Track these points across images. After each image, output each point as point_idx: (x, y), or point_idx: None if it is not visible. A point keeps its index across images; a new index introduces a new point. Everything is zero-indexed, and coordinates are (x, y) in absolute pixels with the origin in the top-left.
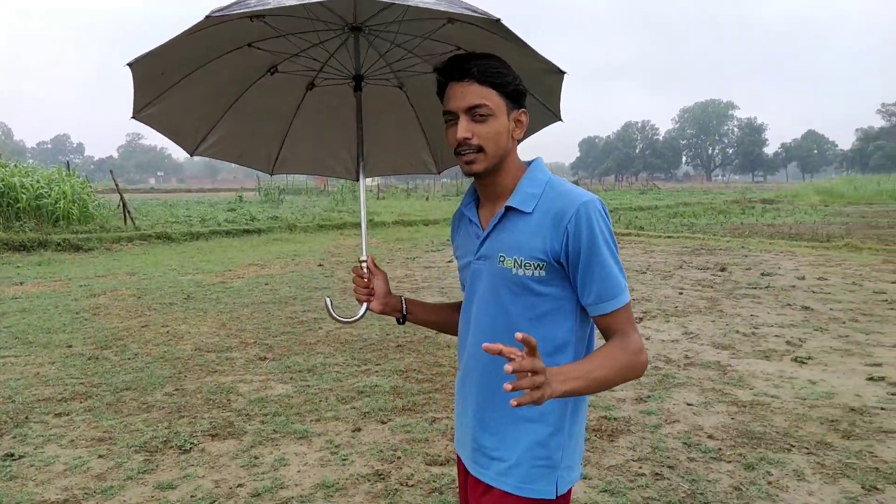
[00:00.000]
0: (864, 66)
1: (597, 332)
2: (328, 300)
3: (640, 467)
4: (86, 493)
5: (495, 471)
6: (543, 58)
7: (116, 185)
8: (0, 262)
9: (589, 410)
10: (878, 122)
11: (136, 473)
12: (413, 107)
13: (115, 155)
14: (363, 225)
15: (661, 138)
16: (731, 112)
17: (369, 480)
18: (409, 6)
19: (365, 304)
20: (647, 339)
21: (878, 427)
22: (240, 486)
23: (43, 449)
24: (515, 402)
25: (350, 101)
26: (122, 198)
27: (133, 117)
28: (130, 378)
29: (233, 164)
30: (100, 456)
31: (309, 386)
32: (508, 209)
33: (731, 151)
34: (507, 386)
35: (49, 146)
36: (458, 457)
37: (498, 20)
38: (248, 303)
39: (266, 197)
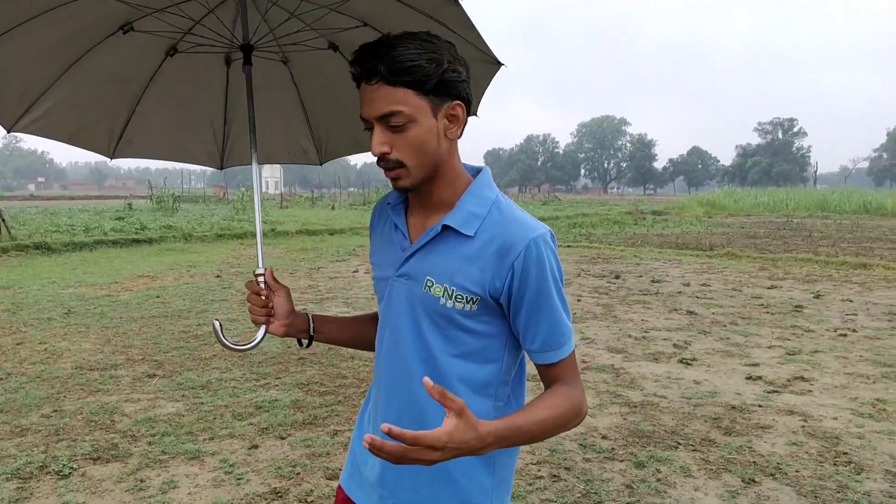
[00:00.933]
0: (742, 86)
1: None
2: (217, 324)
3: (539, 470)
4: None
5: None
6: (484, 45)
7: None
8: None
9: None
10: (755, 140)
11: (6, 503)
12: (297, 86)
13: None
14: (258, 230)
15: (561, 151)
16: (623, 128)
17: (266, 499)
18: None
19: (263, 327)
20: None
21: (756, 423)
22: None
23: None
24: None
25: (219, 73)
26: None
27: (11, 131)
28: (3, 400)
29: (122, 170)
30: None
31: (202, 403)
32: (446, 228)
33: (624, 165)
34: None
35: None
36: (344, 495)
37: None
38: (136, 317)
39: (159, 205)
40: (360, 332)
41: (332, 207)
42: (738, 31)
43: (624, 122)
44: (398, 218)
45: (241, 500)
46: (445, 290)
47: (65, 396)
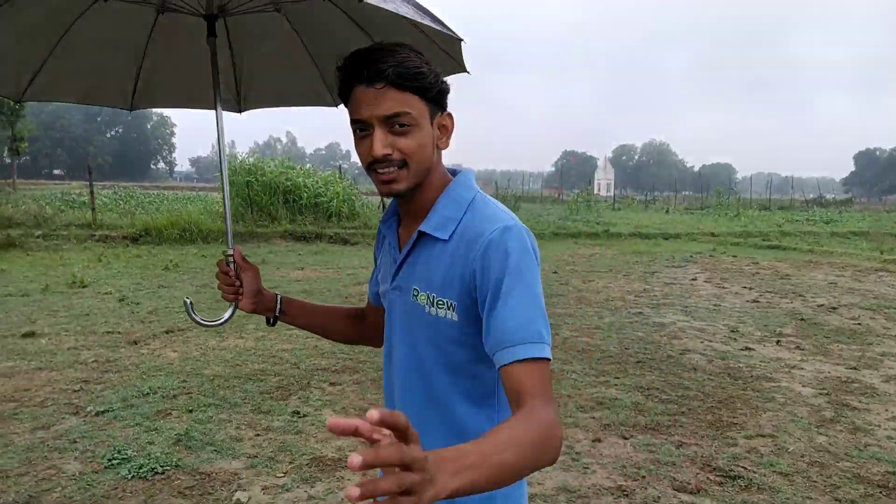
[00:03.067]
0: None
1: None
2: (188, 301)
3: None
4: None
5: None
6: (443, 24)
7: None
8: (286, 250)
9: (872, 463)
10: None
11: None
12: (298, 33)
13: None
14: (227, 207)
15: None
16: None
17: (612, 494)
18: None
19: (233, 304)
20: None
21: None
22: None
23: (321, 412)
24: None
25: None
26: (382, 200)
27: None
28: None
29: (474, 171)
30: None
31: None
32: (422, 234)
33: None
34: (353, 493)
35: (323, 152)
36: None
37: None
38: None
39: (504, 204)
40: (329, 322)
41: (667, 211)
42: None
43: None
44: (389, 231)
45: (588, 488)
46: (428, 297)
47: None
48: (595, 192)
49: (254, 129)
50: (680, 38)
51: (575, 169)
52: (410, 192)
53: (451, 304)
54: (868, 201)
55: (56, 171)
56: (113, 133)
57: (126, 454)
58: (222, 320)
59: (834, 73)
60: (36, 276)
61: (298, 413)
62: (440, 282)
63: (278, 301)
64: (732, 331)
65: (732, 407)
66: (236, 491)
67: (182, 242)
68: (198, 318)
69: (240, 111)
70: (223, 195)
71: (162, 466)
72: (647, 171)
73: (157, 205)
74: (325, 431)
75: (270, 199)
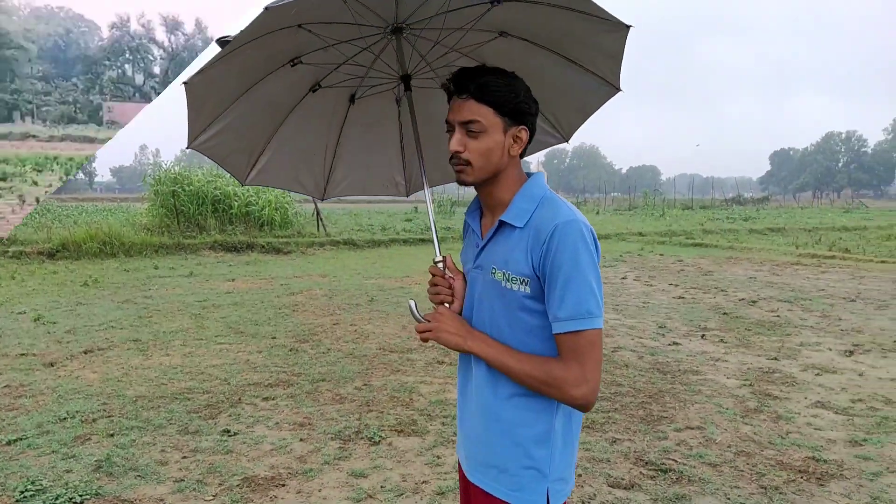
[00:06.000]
0: None
1: None
2: (412, 303)
3: None
4: (290, 473)
5: (489, 476)
6: (605, 13)
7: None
8: (216, 261)
9: (793, 449)
10: None
11: (332, 459)
12: (400, 124)
13: None
14: (433, 228)
15: (870, 151)
16: None
17: None
18: None
19: (446, 306)
20: (859, 374)
21: None
22: (424, 482)
23: (253, 429)
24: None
25: (391, 116)
26: (316, 207)
27: (189, 147)
28: (325, 371)
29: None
30: (301, 440)
31: None
32: (502, 223)
33: None
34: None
35: None
36: (459, 462)
37: None
38: (425, 308)
39: (438, 208)
40: None
41: (598, 212)
42: None
43: None
44: (473, 221)
45: None
46: (504, 274)
47: (372, 373)
48: None
49: (179, 138)
50: None
51: None
52: (482, 185)
53: (524, 279)
54: (783, 199)
55: None
56: None
57: (41, 484)
58: None
59: (744, 78)
60: None
61: (229, 431)
62: (515, 262)
63: None
64: (660, 327)
65: (662, 401)
66: None
67: (102, 257)
68: (420, 317)
69: (323, 199)
70: (429, 214)
71: (81, 496)
72: (577, 174)
73: (75, 217)
74: (256, 449)
75: (198, 209)
